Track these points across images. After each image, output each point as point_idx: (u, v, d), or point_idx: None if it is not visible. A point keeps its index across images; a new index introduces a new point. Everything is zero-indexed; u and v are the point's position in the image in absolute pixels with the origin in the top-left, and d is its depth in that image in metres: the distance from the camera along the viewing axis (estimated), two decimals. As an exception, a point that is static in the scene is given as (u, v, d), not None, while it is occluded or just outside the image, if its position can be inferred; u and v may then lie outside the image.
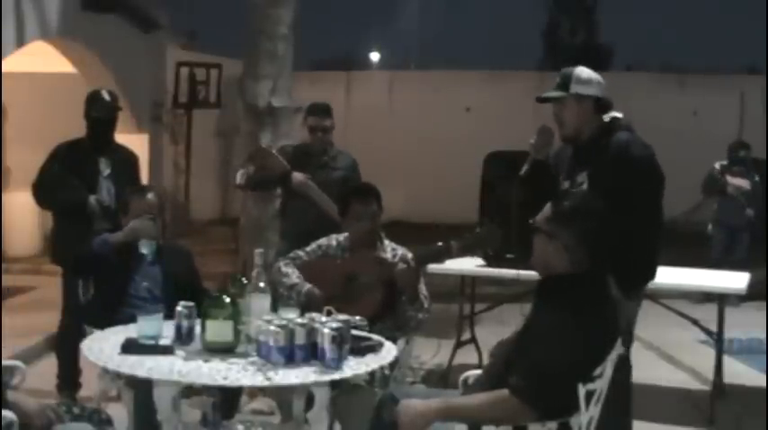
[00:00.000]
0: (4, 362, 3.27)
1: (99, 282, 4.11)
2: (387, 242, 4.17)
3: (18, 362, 3.43)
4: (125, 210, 4.13)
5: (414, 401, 2.85)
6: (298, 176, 5.15)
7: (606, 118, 3.79)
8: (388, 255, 4.08)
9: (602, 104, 3.78)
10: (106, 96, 5.07)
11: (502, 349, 3.06)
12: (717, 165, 8.88)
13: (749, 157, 8.92)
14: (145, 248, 3.99)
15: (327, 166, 5.28)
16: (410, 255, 4.06)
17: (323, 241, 4.22)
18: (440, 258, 4.00)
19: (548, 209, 2.90)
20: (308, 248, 4.21)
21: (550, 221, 2.86)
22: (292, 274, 4.05)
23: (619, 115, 3.83)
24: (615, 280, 3.33)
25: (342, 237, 4.19)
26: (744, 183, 8.76)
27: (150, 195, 4.15)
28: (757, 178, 8.88)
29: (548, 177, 3.89)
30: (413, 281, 3.86)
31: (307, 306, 3.64)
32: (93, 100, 5.05)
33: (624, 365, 3.61)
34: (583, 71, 3.79)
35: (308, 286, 3.98)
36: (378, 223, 4.11)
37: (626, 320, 3.60)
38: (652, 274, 3.85)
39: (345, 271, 4.00)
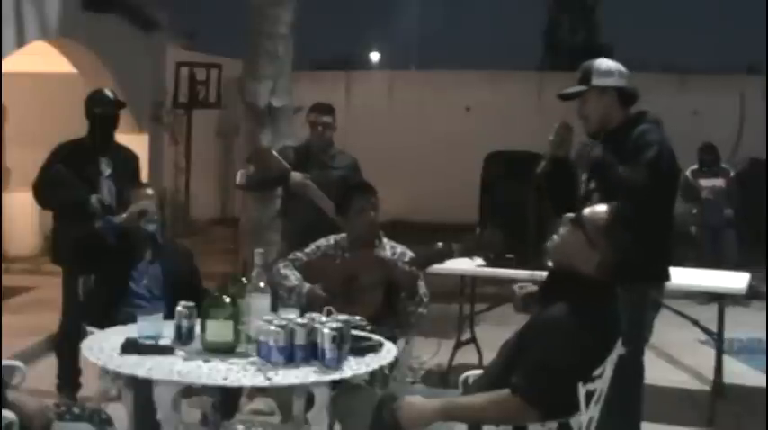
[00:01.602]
0: (4, 362, 3.27)
1: (98, 278, 4.12)
2: (386, 241, 4.17)
3: (18, 363, 3.43)
4: (126, 207, 4.17)
5: (415, 398, 2.85)
6: (297, 176, 5.15)
7: (633, 110, 3.69)
8: (388, 253, 4.09)
9: (626, 96, 3.68)
10: (108, 93, 5.11)
11: (504, 349, 3.06)
12: (688, 172, 9.01)
13: (717, 158, 9.11)
14: (150, 226, 4.03)
15: (327, 166, 5.28)
16: (409, 253, 4.06)
17: (321, 241, 4.22)
18: (440, 260, 4.01)
19: (602, 211, 2.82)
20: (307, 249, 4.22)
21: (601, 233, 2.79)
22: (291, 276, 4.06)
23: (647, 111, 3.73)
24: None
25: (340, 237, 4.19)
26: (718, 182, 8.93)
27: (149, 189, 4.26)
28: (733, 173, 9.07)
29: (567, 175, 3.75)
30: (412, 280, 3.87)
31: (308, 307, 3.65)
32: (96, 97, 5.08)
33: (635, 370, 3.58)
34: (602, 63, 3.71)
35: (308, 287, 3.99)
36: (377, 220, 4.12)
37: (637, 326, 3.52)
38: (664, 275, 3.72)
39: (345, 271, 4.00)
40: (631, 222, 2.87)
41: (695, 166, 9.07)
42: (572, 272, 2.81)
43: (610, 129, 3.67)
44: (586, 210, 2.83)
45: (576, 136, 3.79)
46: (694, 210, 8.99)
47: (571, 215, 2.83)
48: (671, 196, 3.66)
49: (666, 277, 3.76)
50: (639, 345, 3.59)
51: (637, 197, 3.38)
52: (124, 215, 4.07)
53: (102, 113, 5.01)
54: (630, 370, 3.16)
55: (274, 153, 5.30)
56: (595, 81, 3.65)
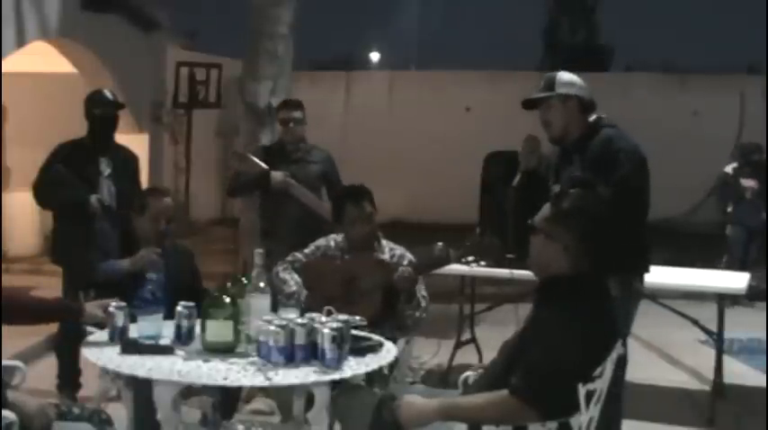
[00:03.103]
0: (4, 362, 3.27)
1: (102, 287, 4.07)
2: (384, 242, 4.16)
3: (18, 363, 3.43)
4: (141, 210, 4.13)
5: (415, 397, 2.85)
6: (277, 176, 5.16)
7: (591, 118, 3.92)
8: (387, 256, 4.08)
9: (586, 105, 3.92)
10: (108, 94, 5.11)
11: (503, 349, 3.06)
12: (729, 170, 8.87)
13: (762, 159, 8.89)
14: (152, 276, 3.99)
15: (303, 161, 5.31)
16: (408, 256, 4.05)
17: (321, 242, 4.21)
18: (438, 266, 4.01)
19: (546, 209, 2.89)
20: (307, 250, 4.21)
21: (549, 222, 2.84)
22: (290, 281, 4.05)
23: (603, 116, 3.96)
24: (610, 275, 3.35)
25: (340, 237, 4.19)
26: (755, 183, 8.76)
27: (168, 199, 4.21)
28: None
29: (539, 186, 3.97)
30: (411, 284, 3.87)
31: (306, 311, 3.65)
32: (95, 98, 5.08)
33: (621, 363, 3.62)
34: (564, 74, 3.96)
35: (306, 294, 3.99)
36: (374, 224, 4.11)
37: (622, 317, 3.60)
38: (645, 266, 3.90)
39: (345, 273, 4.00)
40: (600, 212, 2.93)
41: (735, 164, 8.87)
42: (560, 275, 2.81)
43: (573, 139, 3.90)
44: (544, 214, 2.86)
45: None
46: (729, 209, 8.86)
47: (538, 227, 2.85)
48: (646, 194, 3.85)
49: (645, 269, 3.94)
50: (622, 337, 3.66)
51: (619, 204, 3.57)
52: (127, 262, 4.00)
53: (101, 114, 5.01)
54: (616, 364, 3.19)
55: (250, 156, 5.31)
56: (559, 89, 3.90)
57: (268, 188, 5.21)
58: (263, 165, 5.17)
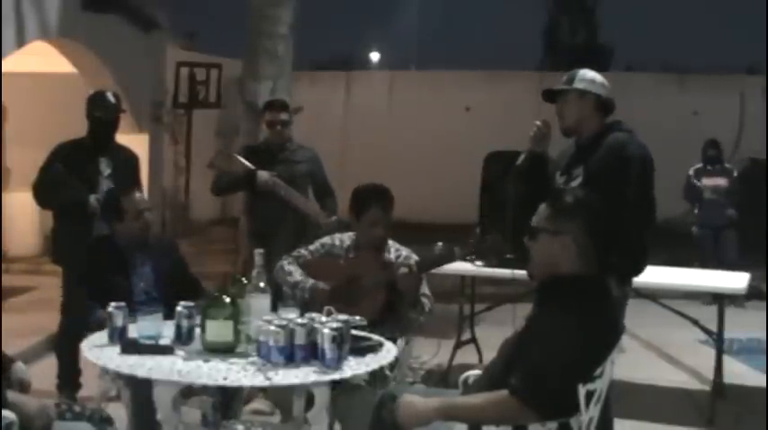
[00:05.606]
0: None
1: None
2: (391, 243, 4.16)
3: (18, 362, 3.42)
4: (122, 216, 4.24)
5: (414, 397, 2.85)
6: (263, 175, 5.17)
7: (608, 119, 3.96)
8: (392, 257, 4.07)
9: (604, 105, 3.95)
10: (110, 97, 5.10)
11: (503, 349, 3.05)
12: (691, 171, 8.97)
13: (721, 155, 9.03)
14: (141, 275, 4.08)
15: (289, 161, 5.32)
16: (414, 257, 4.04)
17: (326, 240, 4.21)
18: (442, 264, 4.01)
19: (543, 209, 2.88)
20: (312, 247, 4.21)
21: (552, 219, 2.83)
22: (295, 272, 4.05)
23: (621, 120, 3.99)
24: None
25: (346, 236, 4.18)
26: (721, 181, 8.85)
27: (137, 195, 4.30)
28: (736, 173, 9.00)
29: (543, 172, 3.96)
30: (414, 285, 3.86)
31: (311, 302, 3.65)
32: (97, 100, 5.07)
33: None
34: (587, 72, 3.98)
35: (311, 282, 3.98)
36: (390, 225, 4.10)
37: None
38: (639, 267, 3.90)
39: (348, 271, 3.99)
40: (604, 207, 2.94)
41: (699, 165, 8.98)
42: (561, 275, 2.81)
43: (586, 136, 3.93)
44: (545, 214, 2.85)
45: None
46: (696, 210, 8.93)
47: (541, 226, 2.84)
48: (652, 201, 3.86)
49: (637, 271, 3.93)
50: None
51: (623, 209, 3.58)
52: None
53: (102, 117, 5.02)
54: None
55: (236, 155, 5.32)
56: (577, 84, 3.93)
57: (254, 188, 5.22)
58: (249, 164, 5.19)
